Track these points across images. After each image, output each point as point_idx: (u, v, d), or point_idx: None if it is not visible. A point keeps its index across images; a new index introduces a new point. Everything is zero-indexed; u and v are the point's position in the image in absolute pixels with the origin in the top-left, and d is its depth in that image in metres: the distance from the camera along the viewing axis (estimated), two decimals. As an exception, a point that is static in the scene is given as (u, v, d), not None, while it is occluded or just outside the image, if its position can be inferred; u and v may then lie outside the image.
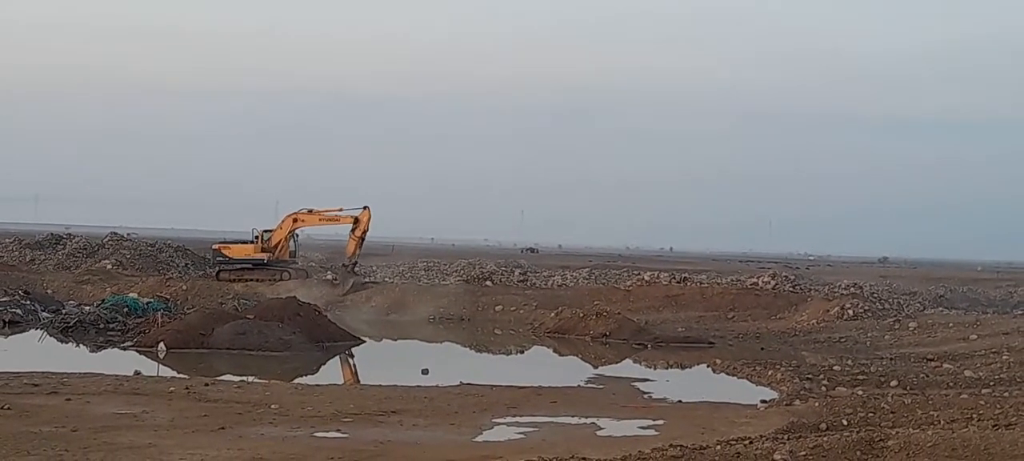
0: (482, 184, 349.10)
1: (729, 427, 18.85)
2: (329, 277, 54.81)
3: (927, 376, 28.27)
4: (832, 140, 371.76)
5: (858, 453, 14.03)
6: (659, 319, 45.94)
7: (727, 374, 30.63)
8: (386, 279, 59.13)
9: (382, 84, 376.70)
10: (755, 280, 57.34)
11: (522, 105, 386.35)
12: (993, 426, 16.46)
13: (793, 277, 60.05)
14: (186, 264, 63.23)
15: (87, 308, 40.71)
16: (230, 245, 56.23)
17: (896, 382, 26.24)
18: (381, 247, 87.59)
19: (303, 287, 50.18)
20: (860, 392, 24.15)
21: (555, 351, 38.99)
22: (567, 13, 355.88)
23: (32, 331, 38.45)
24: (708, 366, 32.71)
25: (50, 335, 36.79)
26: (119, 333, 36.34)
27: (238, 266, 54.87)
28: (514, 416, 20.68)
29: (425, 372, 27.89)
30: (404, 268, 65.52)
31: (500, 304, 49.78)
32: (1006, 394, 22.95)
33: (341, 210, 54.73)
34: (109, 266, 58.02)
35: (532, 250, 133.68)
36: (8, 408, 19.24)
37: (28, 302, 43.67)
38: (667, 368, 33.77)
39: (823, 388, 25.29)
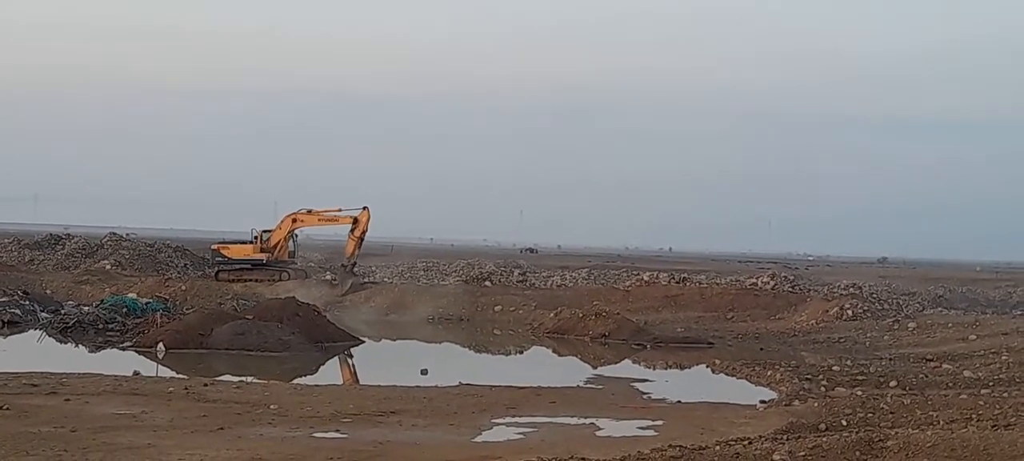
0: (482, 184, 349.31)
1: (728, 427, 18.85)
2: (328, 277, 54.82)
3: (926, 376, 28.27)
4: (832, 140, 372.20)
5: (857, 453, 14.04)
6: (658, 319, 45.96)
7: (726, 374, 30.61)
8: (385, 279, 59.11)
9: (382, 84, 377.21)
10: (754, 280, 57.34)
11: (522, 105, 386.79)
12: (992, 426, 16.46)
13: (792, 277, 60.08)
14: (185, 264, 63.22)
15: (86, 308, 40.69)
16: (229, 245, 56.20)
17: (895, 382, 26.24)
18: (380, 247, 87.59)
19: (302, 287, 50.17)
20: (859, 392, 24.15)
21: (554, 351, 38.98)
22: (567, 13, 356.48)
23: (31, 331, 38.44)
24: (707, 366, 32.69)
25: (49, 335, 36.77)
26: (118, 333, 36.32)
27: (237, 266, 54.85)
28: (513, 416, 20.67)
29: (424, 372, 27.88)
30: (403, 268, 65.50)
31: (499, 304, 49.78)
32: (1005, 394, 22.96)
33: (340, 210, 54.70)
34: (108, 266, 58.00)
35: (531, 250, 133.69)
36: (7, 408, 19.22)
37: (27, 302, 43.65)
38: (666, 368, 33.77)
39: (822, 388, 25.29)
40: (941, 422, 17.97)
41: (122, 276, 55.13)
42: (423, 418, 20.04)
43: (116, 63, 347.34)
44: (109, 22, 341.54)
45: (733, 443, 15.49)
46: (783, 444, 14.92)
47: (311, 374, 30.04)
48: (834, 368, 29.79)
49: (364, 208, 53.84)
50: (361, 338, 38.44)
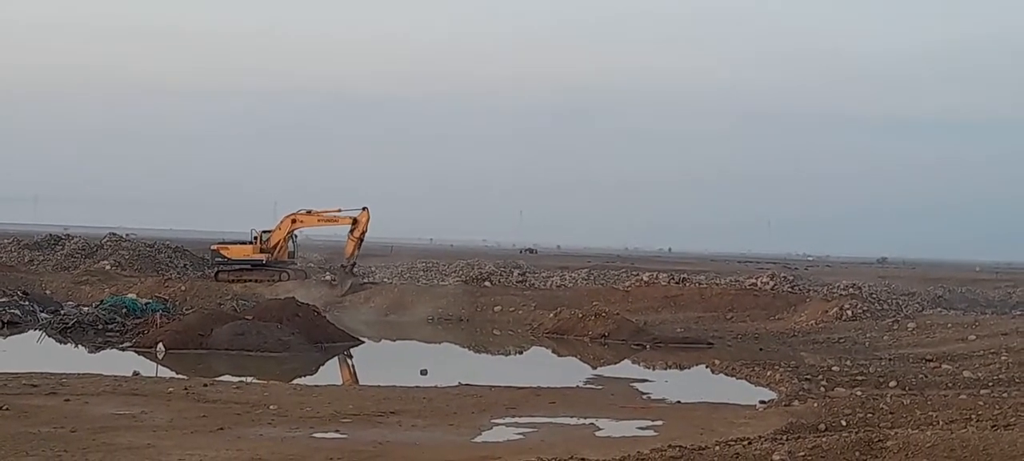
0: (481, 184, 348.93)
1: (728, 428, 18.87)
2: (328, 278, 54.85)
3: (926, 377, 28.28)
4: (832, 140, 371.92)
5: (857, 454, 14.04)
6: (658, 320, 45.98)
7: (726, 375, 30.62)
8: (385, 280, 59.11)
9: (382, 84, 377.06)
10: (754, 281, 57.37)
11: (522, 105, 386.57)
12: (992, 427, 16.47)
13: (792, 278, 60.09)
14: (185, 265, 63.20)
15: (86, 309, 40.69)
16: (229, 246, 56.25)
17: (895, 383, 26.26)
18: (380, 248, 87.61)
19: (302, 288, 50.17)
20: (859, 393, 24.16)
21: (554, 352, 38.99)
22: (567, 13, 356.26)
23: (31, 332, 38.44)
24: (707, 367, 32.70)
25: (49, 336, 36.79)
26: (118, 334, 36.33)
27: (237, 267, 54.89)
28: (513, 417, 20.68)
29: (424, 373, 27.87)
30: (403, 269, 65.49)
31: (499, 305, 49.78)
32: (1005, 395, 22.97)
33: (340, 211, 54.71)
34: (108, 267, 58.00)
35: (531, 251, 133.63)
36: (7, 409, 19.23)
37: (27, 303, 43.65)
38: (666, 369, 33.77)
39: (822, 389, 25.30)
40: (941, 422, 17.98)
41: (122, 276, 55.13)
42: (423, 418, 20.05)
43: (116, 63, 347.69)
44: (109, 22, 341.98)
45: (733, 443, 15.50)
46: (783, 444, 14.93)
47: (311, 374, 30.04)
48: (834, 368, 29.81)
49: (363, 209, 53.87)
50: (361, 338, 38.45)
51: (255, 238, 55.08)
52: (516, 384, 25.21)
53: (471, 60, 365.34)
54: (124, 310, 39.31)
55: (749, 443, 15.49)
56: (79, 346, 35.10)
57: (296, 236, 56.68)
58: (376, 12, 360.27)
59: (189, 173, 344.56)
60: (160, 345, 32.35)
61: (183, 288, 50.46)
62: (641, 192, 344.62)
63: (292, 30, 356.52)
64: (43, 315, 41.66)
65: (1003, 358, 31.05)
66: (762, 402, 23.85)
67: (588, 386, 27.61)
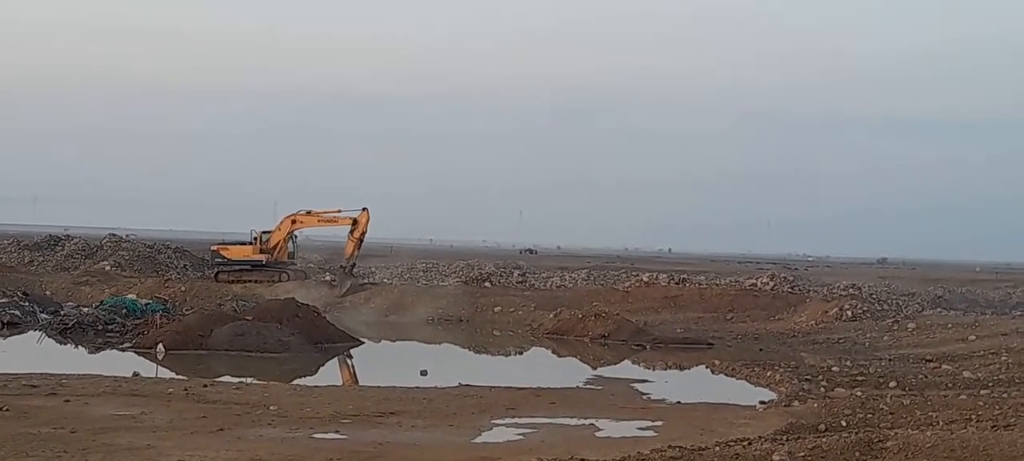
0: (481, 184, 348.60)
1: (728, 428, 18.87)
2: (328, 278, 54.85)
3: (926, 377, 28.28)
4: (832, 140, 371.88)
5: (857, 454, 14.04)
6: (658, 320, 45.97)
7: (726, 375, 30.63)
8: (385, 280, 59.10)
9: (382, 84, 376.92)
10: (754, 281, 57.33)
11: (522, 105, 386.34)
12: (992, 427, 16.46)
13: (792, 278, 60.05)
14: (185, 265, 63.21)
15: (86, 309, 40.70)
16: (229, 246, 56.25)
17: (895, 383, 26.26)
18: (380, 248, 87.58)
19: (302, 288, 50.17)
20: (859, 393, 24.16)
21: (554, 352, 38.99)
22: (567, 13, 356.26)
23: (31, 332, 38.45)
24: (707, 367, 32.71)
25: (49, 336, 36.81)
26: (118, 334, 36.34)
27: (237, 267, 54.88)
28: (513, 417, 20.68)
29: (424, 373, 27.87)
30: (403, 269, 65.48)
31: (499, 305, 49.79)
32: (1005, 395, 22.97)
33: (339, 211, 54.71)
34: (108, 267, 57.99)
35: (531, 251, 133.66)
36: (7, 409, 19.24)
37: (27, 303, 43.66)
38: (666, 369, 33.77)
39: (822, 389, 25.30)
40: (940, 423, 17.98)
41: (121, 277, 55.11)
42: (422, 419, 20.05)
43: (116, 63, 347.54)
44: (109, 22, 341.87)
45: (733, 444, 15.50)
46: (783, 445, 14.93)
47: (311, 375, 30.03)
48: (834, 369, 29.82)
49: (363, 209, 53.88)
50: (360, 339, 38.44)
51: (255, 239, 55.09)
52: (516, 385, 25.21)
53: (471, 60, 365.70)
54: (124, 311, 39.33)
55: (749, 443, 15.49)
56: (79, 347, 35.10)
57: (296, 237, 56.68)
58: (376, 12, 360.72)
59: (189, 173, 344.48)
60: (160, 346, 32.35)
61: (183, 289, 50.45)
62: (641, 192, 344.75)
63: (292, 30, 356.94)
64: (43, 316, 41.67)
65: (1003, 358, 31.06)
66: (762, 402, 23.84)
67: (588, 387, 27.61)
